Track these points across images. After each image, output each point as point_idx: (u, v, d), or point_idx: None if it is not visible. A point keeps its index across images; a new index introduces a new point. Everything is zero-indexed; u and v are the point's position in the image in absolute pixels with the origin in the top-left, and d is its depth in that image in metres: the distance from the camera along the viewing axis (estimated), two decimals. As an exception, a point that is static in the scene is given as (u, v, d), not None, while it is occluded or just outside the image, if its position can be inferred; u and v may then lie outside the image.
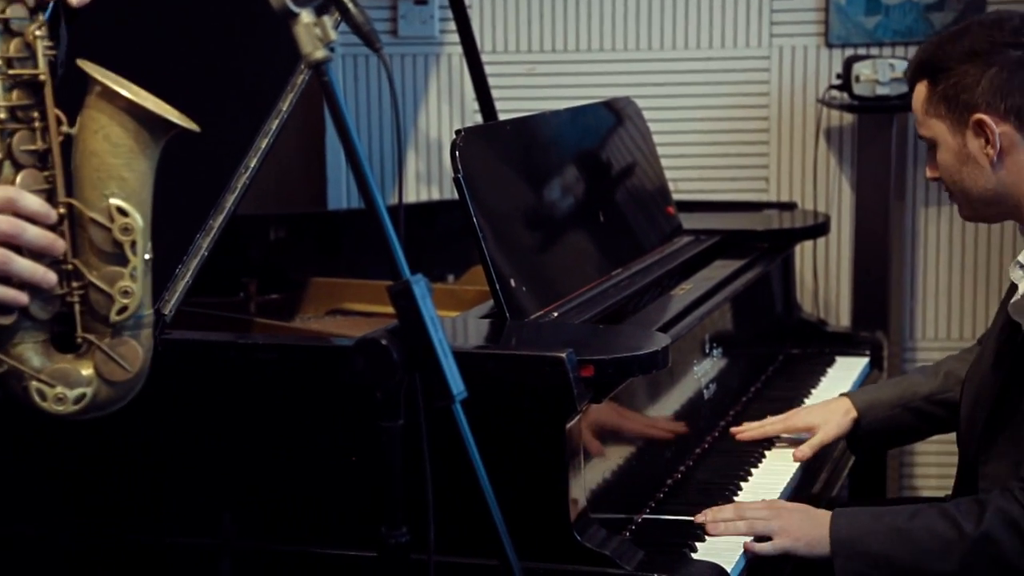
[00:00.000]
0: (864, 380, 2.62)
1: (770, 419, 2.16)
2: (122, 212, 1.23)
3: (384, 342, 1.12)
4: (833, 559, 1.70)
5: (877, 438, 2.14)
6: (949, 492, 1.97)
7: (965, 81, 1.76)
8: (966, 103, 1.76)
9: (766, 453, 2.10)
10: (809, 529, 1.73)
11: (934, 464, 3.34)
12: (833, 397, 2.18)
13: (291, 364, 1.76)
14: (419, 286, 1.13)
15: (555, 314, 1.97)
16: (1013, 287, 1.84)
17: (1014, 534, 1.63)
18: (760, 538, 1.75)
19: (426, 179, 3.39)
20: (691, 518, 1.79)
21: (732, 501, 1.86)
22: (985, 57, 1.75)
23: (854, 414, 2.11)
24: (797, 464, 2.05)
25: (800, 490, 2.02)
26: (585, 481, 1.67)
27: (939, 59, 1.79)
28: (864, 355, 2.73)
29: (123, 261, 1.24)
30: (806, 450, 2.08)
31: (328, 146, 3.34)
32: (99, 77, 1.22)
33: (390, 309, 1.15)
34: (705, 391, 2.17)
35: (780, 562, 1.78)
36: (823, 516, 1.75)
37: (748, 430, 2.14)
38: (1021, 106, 1.74)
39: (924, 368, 2.22)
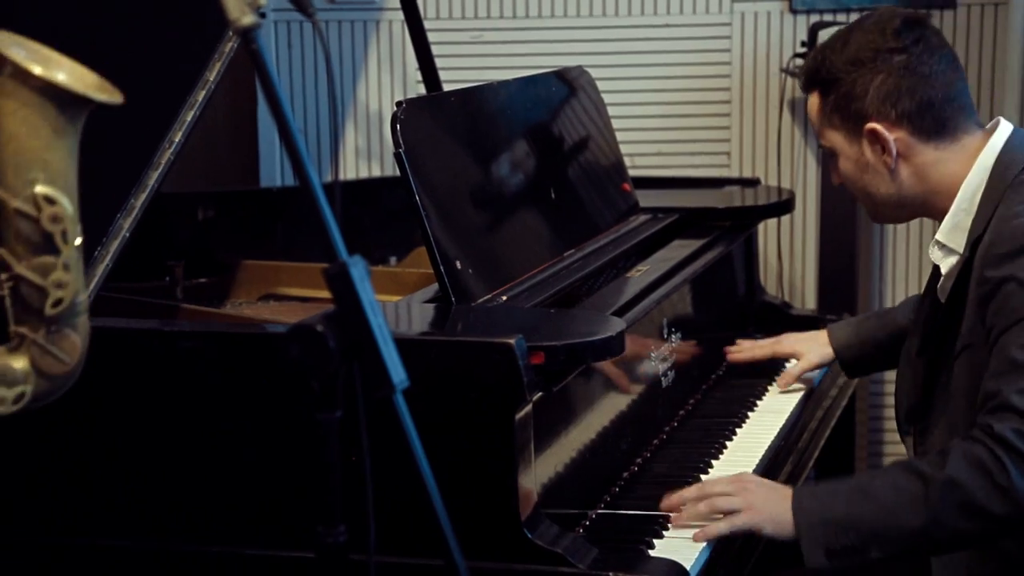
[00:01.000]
0: (831, 365, 2.65)
1: (760, 341, 2.48)
2: (49, 200, 1.20)
3: (320, 328, 1.11)
4: (796, 531, 1.72)
5: (857, 366, 2.42)
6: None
7: (854, 91, 1.84)
8: (857, 113, 1.84)
9: (727, 444, 2.12)
10: (775, 505, 1.75)
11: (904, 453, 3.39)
12: (817, 332, 2.43)
13: (221, 353, 1.76)
14: (357, 268, 1.12)
15: (503, 298, 1.97)
16: (937, 271, 1.89)
17: (981, 474, 1.66)
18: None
19: (365, 154, 3.37)
20: (648, 512, 1.81)
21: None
22: (869, 65, 1.84)
23: (831, 349, 2.38)
24: (759, 455, 2.08)
25: (763, 482, 2.04)
26: (536, 475, 1.68)
27: (825, 70, 1.88)
28: (830, 339, 2.76)
29: (54, 251, 1.21)
30: (787, 378, 2.39)
31: (260, 119, 3.32)
32: (10, 55, 1.19)
33: (327, 294, 1.14)
34: (663, 379, 2.19)
35: (743, 555, 1.80)
36: (787, 490, 1.77)
37: (741, 351, 2.44)
38: (911, 110, 1.82)
39: (909, 301, 2.37)
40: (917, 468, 1.70)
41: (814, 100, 1.91)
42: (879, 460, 3.46)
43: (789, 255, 3.40)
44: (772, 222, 3.32)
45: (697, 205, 2.78)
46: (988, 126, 1.87)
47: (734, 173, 3.34)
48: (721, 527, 1.74)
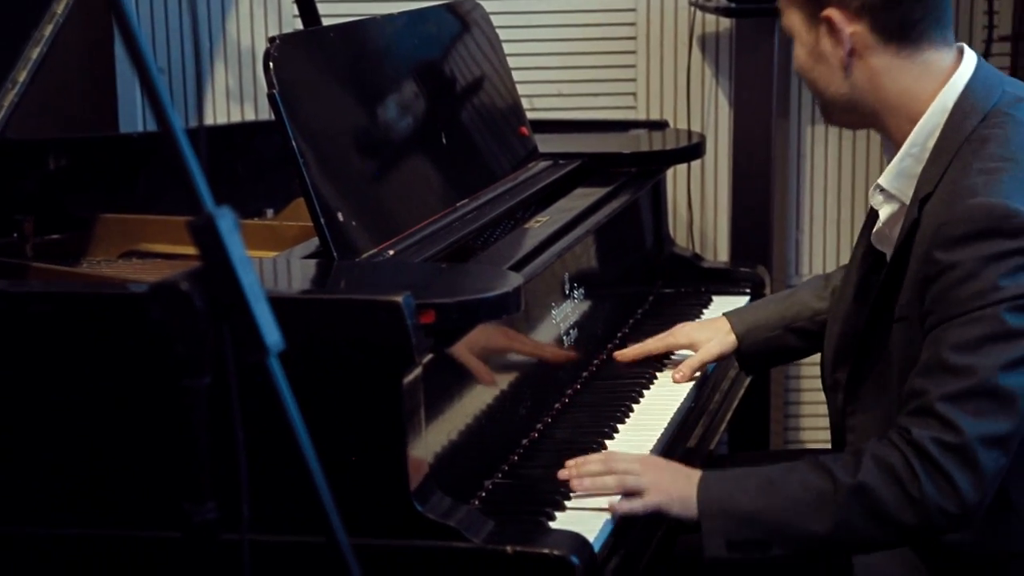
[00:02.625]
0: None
1: (652, 339, 2.31)
2: None
3: (184, 287, 1.10)
4: (700, 519, 1.76)
5: (759, 359, 2.32)
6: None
7: None
8: None
9: (633, 407, 2.15)
10: (683, 486, 1.78)
11: (821, 414, 3.46)
12: (715, 316, 2.34)
13: (77, 316, 1.73)
14: (225, 220, 1.12)
15: (391, 252, 1.97)
16: (874, 213, 1.92)
17: (892, 482, 1.70)
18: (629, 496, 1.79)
19: (237, 96, 3.33)
20: (549, 482, 1.83)
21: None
22: None
23: (733, 337, 2.26)
24: (668, 419, 2.11)
25: (673, 446, 2.08)
26: (427, 443, 1.69)
27: None
28: (744, 293, 2.80)
29: None
30: (685, 371, 2.24)
31: (118, 58, 3.26)
32: None
33: (195, 249, 1.13)
34: (565, 338, 2.21)
35: (649, 528, 1.83)
36: (696, 474, 1.80)
37: (630, 351, 2.29)
38: (876, 3, 1.80)
39: (814, 281, 2.33)
40: (829, 468, 1.74)
41: None
42: (796, 421, 3.53)
43: (700, 203, 3.44)
44: (681, 168, 3.35)
45: (601, 150, 2.79)
46: (956, 45, 1.84)
47: (640, 115, 3.37)
48: (634, 506, 1.77)
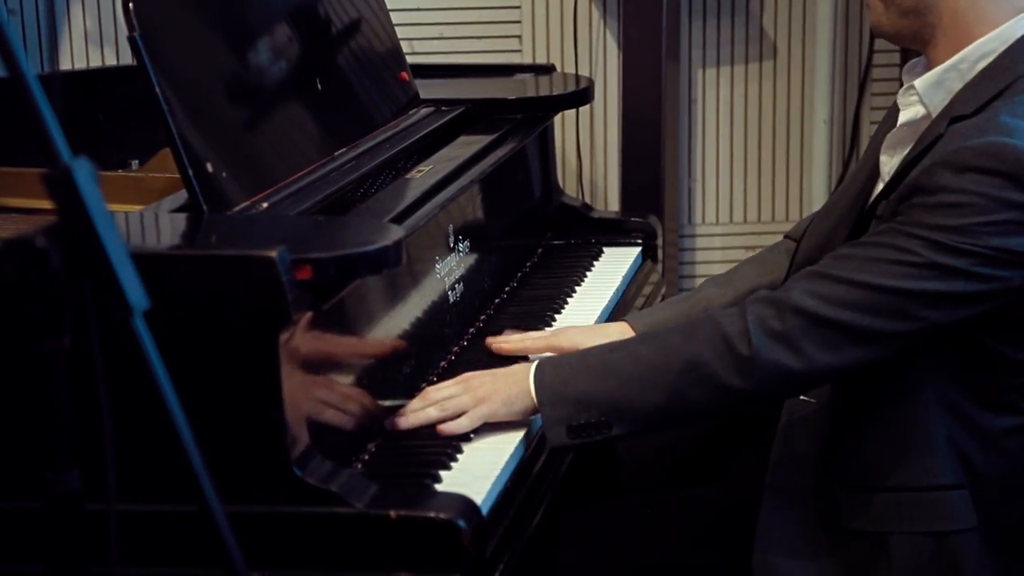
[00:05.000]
0: (636, 272, 2.73)
1: (534, 333, 2.21)
2: None
3: (40, 244, 1.09)
4: (539, 409, 1.84)
5: None
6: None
7: None
8: None
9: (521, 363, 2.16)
10: (507, 388, 1.87)
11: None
12: (614, 323, 2.22)
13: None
14: (82, 172, 1.10)
15: (264, 205, 1.96)
16: (884, 124, 1.95)
17: (724, 351, 1.77)
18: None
19: (96, 39, 3.27)
20: (435, 443, 1.84)
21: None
22: None
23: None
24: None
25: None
26: (306, 406, 1.69)
27: None
28: (636, 244, 2.84)
29: None
30: None
31: (-35, -2, 3.18)
32: None
33: (54, 203, 1.12)
34: (450, 293, 2.22)
35: (537, 489, 1.85)
36: (524, 370, 1.89)
37: (508, 341, 2.19)
38: None
39: (716, 279, 2.31)
40: (661, 341, 1.82)
41: None
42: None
43: (589, 151, 3.46)
44: (569, 114, 3.37)
45: (485, 96, 2.79)
46: None
47: (526, 59, 3.37)
48: (461, 423, 1.85)
